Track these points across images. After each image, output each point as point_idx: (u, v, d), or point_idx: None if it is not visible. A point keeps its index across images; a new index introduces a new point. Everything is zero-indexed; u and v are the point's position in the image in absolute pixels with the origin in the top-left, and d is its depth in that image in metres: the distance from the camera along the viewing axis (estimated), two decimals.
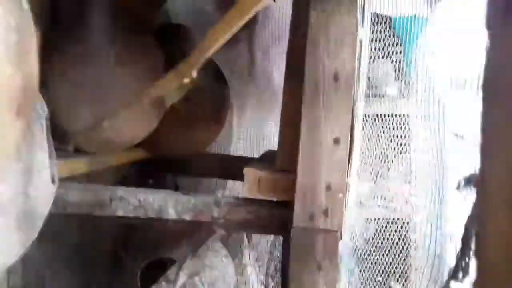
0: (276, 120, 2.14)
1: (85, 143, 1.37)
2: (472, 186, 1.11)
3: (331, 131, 0.95)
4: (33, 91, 0.52)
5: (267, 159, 1.72)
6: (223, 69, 1.85)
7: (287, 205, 1.06)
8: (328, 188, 0.96)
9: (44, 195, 0.82)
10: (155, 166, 1.86)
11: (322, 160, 0.96)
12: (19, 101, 0.46)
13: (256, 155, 2.09)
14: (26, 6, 0.49)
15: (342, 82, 0.93)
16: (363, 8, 1.06)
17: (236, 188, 2.07)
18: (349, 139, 0.95)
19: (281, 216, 1.07)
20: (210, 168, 1.96)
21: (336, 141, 0.95)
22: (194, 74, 0.83)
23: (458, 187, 1.11)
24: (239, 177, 2.04)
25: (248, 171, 1.12)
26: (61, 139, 1.27)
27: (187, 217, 1.13)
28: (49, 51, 1.21)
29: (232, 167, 1.93)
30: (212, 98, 1.75)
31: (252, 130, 2.21)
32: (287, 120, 1.07)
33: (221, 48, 2.12)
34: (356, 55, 0.93)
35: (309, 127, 0.96)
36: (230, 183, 2.11)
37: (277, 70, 2.09)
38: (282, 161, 1.09)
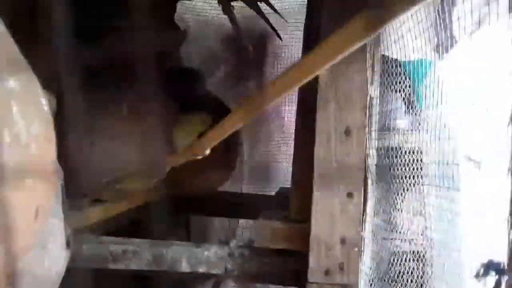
0: (285, 156, 2.14)
1: (99, 194, 1.38)
2: (492, 273, 1.09)
3: (344, 185, 0.95)
4: (52, 180, 0.53)
5: (281, 198, 1.71)
6: (233, 105, 1.86)
7: (301, 256, 1.05)
8: (343, 242, 0.95)
9: (58, 262, 0.82)
10: (166, 206, 1.86)
11: (336, 214, 0.95)
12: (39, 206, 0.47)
13: (266, 192, 2.08)
14: (46, 107, 0.50)
15: (354, 136, 0.93)
16: (373, 53, 1.07)
17: (248, 227, 2.06)
18: (362, 193, 0.94)
19: (295, 267, 1.06)
20: (222, 207, 1.95)
21: (350, 195, 0.94)
22: (208, 152, 0.83)
23: (477, 275, 1.08)
24: (252, 215, 2.03)
25: (260, 223, 1.12)
26: (74, 191, 1.28)
27: (201, 269, 1.12)
28: (62, 109, 1.23)
29: (245, 206, 1.93)
30: (223, 140, 1.76)
31: (264, 167, 2.21)
32: (299, 172, 1.07)
33: (231, 85, 2.15)
34: (367, 111, 0.93)
35: (321, 181, 0.96)
36: (242, 221, 2.10)
37: (285, 108, 2.10)
38: (296, 212, 1.08)
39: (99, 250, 1.15)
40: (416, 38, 1.10)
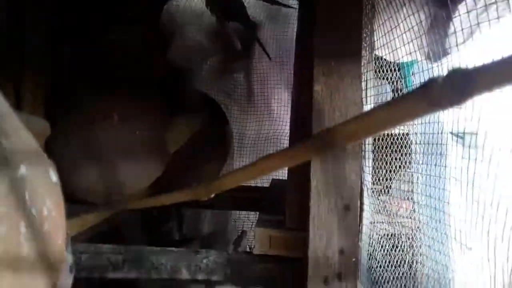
0: (277, 144, 2.15)
1: (93, 197, 1.38)
2: None
3: (341, 197, 0.96)
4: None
5: (275, 190, 1.73)
6: (222, 96, 1.86)
7: (299, 262, 1.07)
8: (341, 252, 0.97)
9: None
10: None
11: (333, 225, 0.97)
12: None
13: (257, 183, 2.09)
14: (55, 178, 0.50)
15: (350, 148, 0.94)
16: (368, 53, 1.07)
17: (240, 219, 2.08)
18: (359, 205, 0.96)
19: (294, 273, 1.08)
20: (214, 199, 1.96)
21: (347, 207, 0.96)
22: (212, 195, 0.83)
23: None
24: (243, 207, 2.04)
25: (258, 230, 1.13)
26: (70, 196, 1.28)
27: (200, 276, 1.14)
28: (53, 115, 1.22)
29: (237, 198, 1.95)
30: (214, 137, 1.77)
31: (253, 158, 2.21)
32: (294, 182, 1.08)
33: (220, 77, 2.14)
34: None
35: (318, 193, 0.97)
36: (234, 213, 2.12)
37: (275, 99, 2.10)
38: (292, 221, 1.10)
39: (98, 261, 1.15)
40: (408, 43, 1.10)
